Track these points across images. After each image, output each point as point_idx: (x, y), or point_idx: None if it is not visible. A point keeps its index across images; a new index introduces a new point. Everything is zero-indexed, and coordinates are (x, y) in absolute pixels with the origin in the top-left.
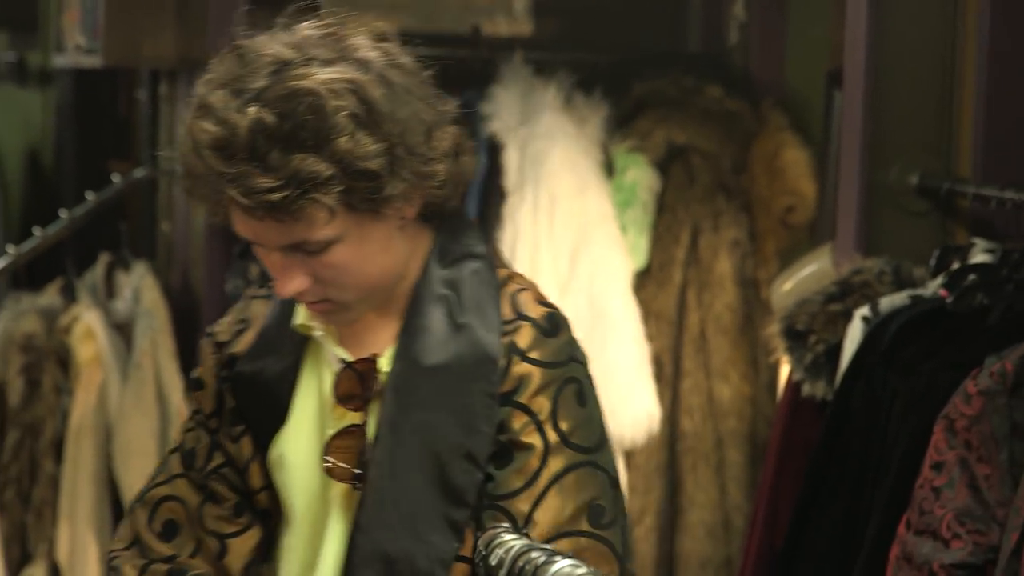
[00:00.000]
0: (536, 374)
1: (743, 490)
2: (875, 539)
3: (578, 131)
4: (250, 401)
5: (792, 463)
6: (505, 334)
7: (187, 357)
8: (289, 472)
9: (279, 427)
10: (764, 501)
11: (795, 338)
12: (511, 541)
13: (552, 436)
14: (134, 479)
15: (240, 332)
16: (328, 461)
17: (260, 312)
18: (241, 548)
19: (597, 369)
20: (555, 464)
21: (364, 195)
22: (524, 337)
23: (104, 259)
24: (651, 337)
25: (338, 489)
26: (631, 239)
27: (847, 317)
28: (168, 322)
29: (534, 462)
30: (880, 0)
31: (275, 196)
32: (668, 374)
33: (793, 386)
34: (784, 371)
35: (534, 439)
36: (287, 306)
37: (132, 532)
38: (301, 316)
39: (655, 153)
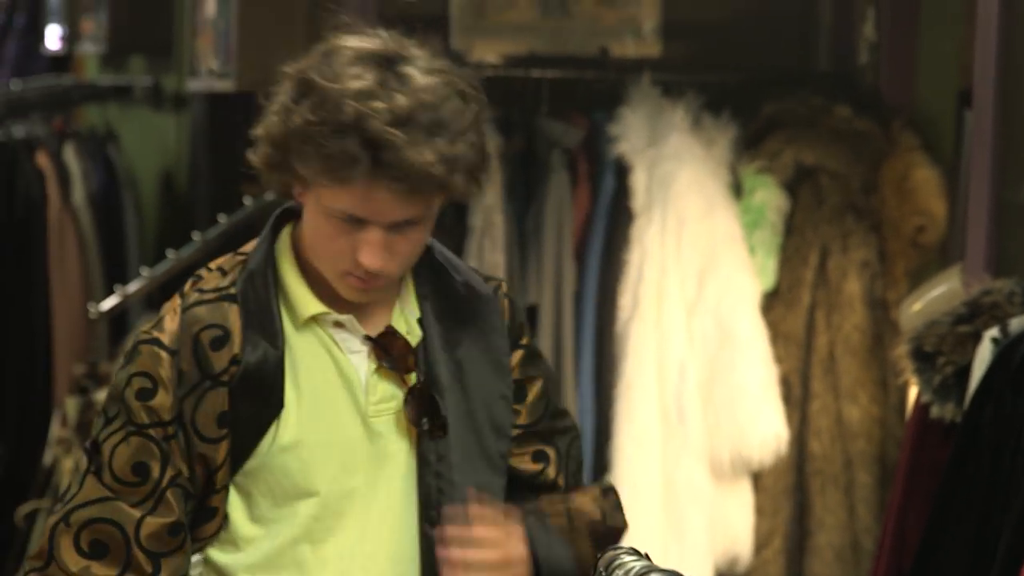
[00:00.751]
0: (515, 307)
1: (872, 512)
2: (1005, 561)
3: (706, 152)
4: (248, 399)
5: (921, 485)
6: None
7: None
8: (310, 452)
9: (275, 416)
10: (892, 523)
11: (923, 359)
12: (631, 562)
13: (540, 360)
14: None
15: (220, 338)
16: (411, 418)
17: (229, 316)
18: (174, 567)
19: (725, 390)
20: (543, 378)
21: (471, 179)
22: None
23: None
24: (779, 359)
25: (367, 455)
26: (759, 260)
27: (976, 338)
28: None
29: (540, 387)
30: (1010, 19)
31: (436, 170)
32: (796, 396)
33: (921, 408)
34: (912, 393)
35: (536, 371)
36: (262, 305)
37: (47, 550)
38: (313, 307)
39: (784, 174)
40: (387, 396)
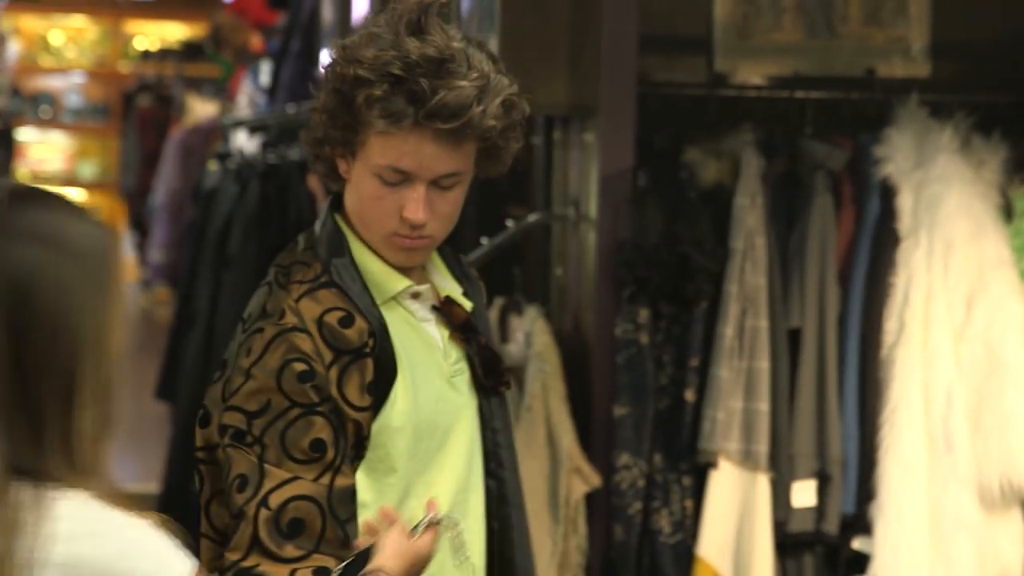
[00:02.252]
0: None
1: None
2: None
3: (975, 174)
4: (383, 369)
5: None
6: None
7: (577, 401)
8: (427, 409)
9: (393, 382)
10: None
11: None
12: None
13: None
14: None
15: (345, 317)
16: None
17: (339, 299)
18: (352, 533)
19: (994, 417)
20: None
21: (507, 138)
22: None
23: (499, 303)
24: None
25: (463, 403)
26: None
27: None
28: (559, 366)
29: None
30: None
31: (473, 109)
32: None
33: None
34: None
35: None
36: (355, 285)
37: (250, 539)
38: (398, 282)
39: None
40: (458, 359)
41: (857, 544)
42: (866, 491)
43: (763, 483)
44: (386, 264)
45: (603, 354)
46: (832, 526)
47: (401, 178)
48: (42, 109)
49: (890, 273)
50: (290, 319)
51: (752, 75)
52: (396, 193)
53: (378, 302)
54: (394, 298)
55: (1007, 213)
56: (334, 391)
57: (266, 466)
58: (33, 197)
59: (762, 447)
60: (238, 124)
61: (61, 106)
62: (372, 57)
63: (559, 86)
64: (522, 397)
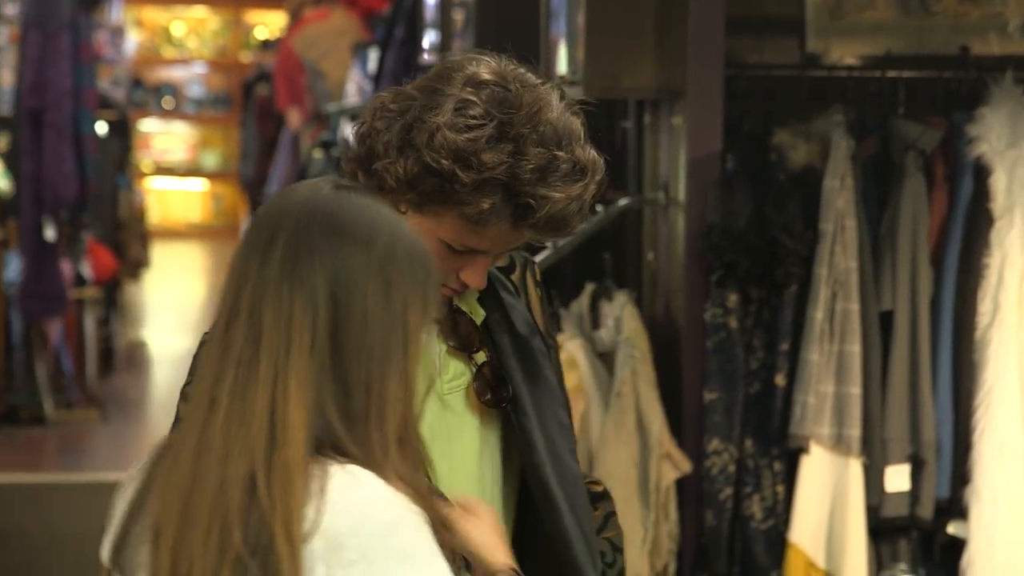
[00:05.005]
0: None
1: None
2: None
3: None
4: None
5: None
6: None
7: (667, 386)
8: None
9: None
10: None
11: None
12: None
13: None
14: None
15: None
16: (478, 392)
17: None
18: None
19: None
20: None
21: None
22: None
23: (589, 289)
24: None
25: (441, 433)
26: None
27: None
28: (649, 351)
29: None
30: None
31: (574, 217)
32: None
33: None
34: None
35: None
36: None
37: None
38: None
39: None
40: (457, 374)
41: (952, 529)
42: (961, 475)
43: (855, 468)
44: None
45: (693, 339)
46: (926, 511)
47: (471, 251)
48: (165, 100)
49: (984, 254)
50: None
51: (844, 55)
52: (458, 258)
53: None
54: None
55: None
56: None
57: None
58: (351, 196)
59: (854, 431)
60: (341, 112)
61: (183, 96)
62: (487, 163)
63: (647, 70)
64: (612, 383)
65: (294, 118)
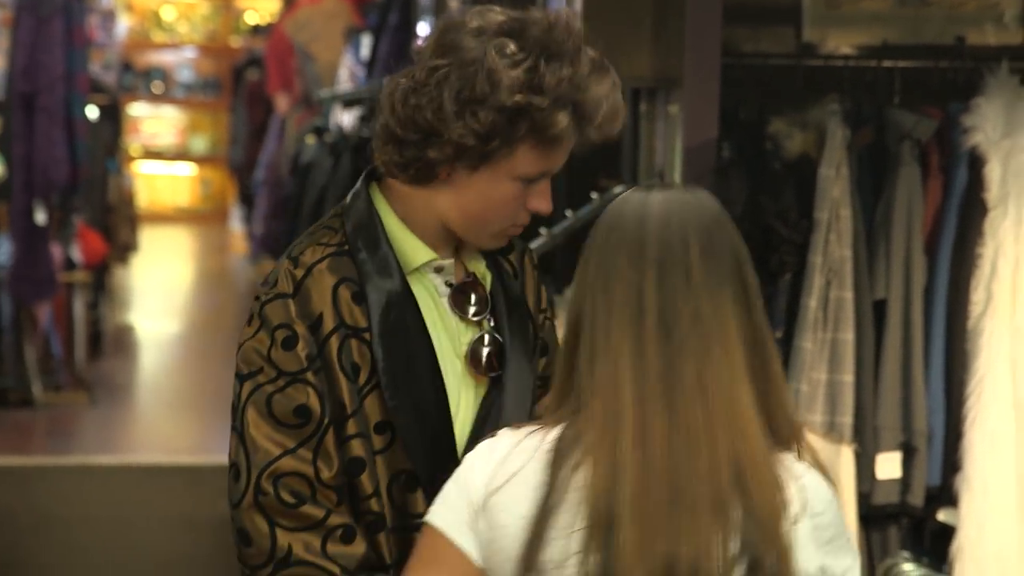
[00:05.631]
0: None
1: None
2: None
3: None
4: (396, 347)
5: None
6: None
7: None
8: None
9: (431, 350)
10: None
11: None
12: (911, 572)
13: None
14: None
15: (357, 294)
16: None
17: (352, 268)
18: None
19: None
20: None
21: None
22: None
23: None
24: None
25: (467, 380)
26: None
27: None
28: None
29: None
30: None
31: (620, 107)
32: None
33: None
34: None
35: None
36: (376, 253)
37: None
38: (424, 254)
39: None
40: (468, 339)
41: (942, 516)
42: (952, 463)
43: (847, 455)
44: (415, 237)
45: None
46: (917, 498)
47: (539, 176)
48: (154, 84)
49: (977, 244)
50: (279, 287)
51: (841, 44)
52: (524, 191)
53: (405, 272)
54: (418, 270)
55: None
56: (329, 360)
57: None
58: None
59: (846, 419)
60: (334, 98)
61: (173, 81)
62: (553, 83)
63: (644, 58)
64: None
65: (282, 103)
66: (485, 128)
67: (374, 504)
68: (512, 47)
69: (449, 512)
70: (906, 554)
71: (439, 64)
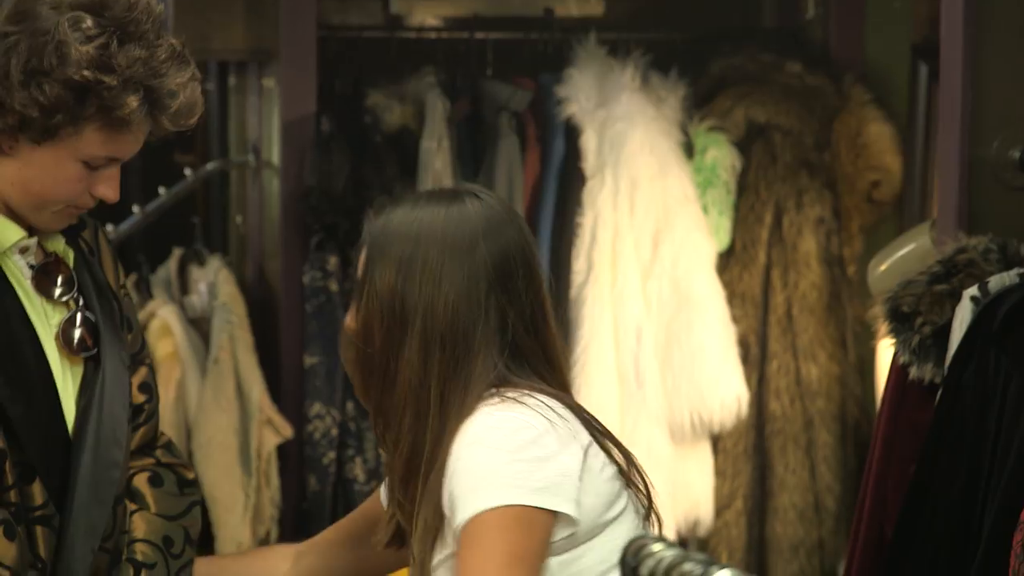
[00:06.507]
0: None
1: (833, 471)
2: (995, 524)
3: (657, 112)
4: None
5: (900, 448)
6: None
7: (265, 351)
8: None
9: (35, 335)
10: (871, 487)
11: (901, 320)
12: (661, 551)
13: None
14: (216, 475)
15: None
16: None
17: None
18: None
19: (683, 353)
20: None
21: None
22: None
23: (177, 254)
24: (736, 319)
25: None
26: (713, 220)
27: (954, 297)
28: (246, 316)
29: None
30: None
31: (197, 101)
32: (755, 356)
33: (899, 369)
34: (882, 353)
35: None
36: None
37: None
38: (15, 232)
39: (735, 132)
40: (58, 321)
41: None
42: None
43: None
44: (4, 215)
45: (291, 303)
46: None
47: (108, 162)
48: None
49: (577, 213)
50: None
51: (428, 17)
52: (92, 174)
53: None
54: (5, 252)
55: (688, 150)
56: None
57: None
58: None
59: None
60: None
61: None
62: (124, 63)
63: (237, 31)
64: (208, 349)
65: None
66: (50, 101)
67: (13, 495)
68: (89, 23)
69: (556, 494)
70: (655, 535)
71: (10, 31)
